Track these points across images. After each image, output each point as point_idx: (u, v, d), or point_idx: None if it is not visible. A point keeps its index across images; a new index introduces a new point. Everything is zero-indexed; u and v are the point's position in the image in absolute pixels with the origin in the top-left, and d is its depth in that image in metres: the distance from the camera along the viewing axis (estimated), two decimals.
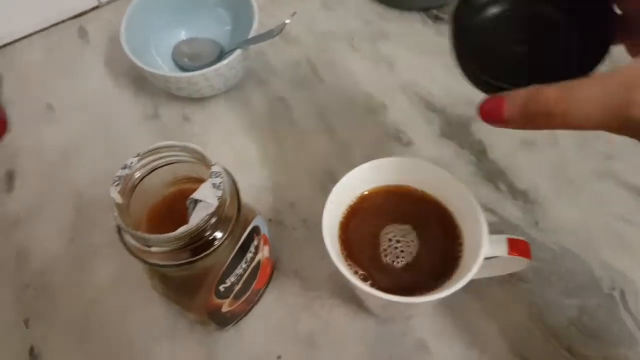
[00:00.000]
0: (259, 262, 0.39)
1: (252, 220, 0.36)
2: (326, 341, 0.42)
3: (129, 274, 0.45)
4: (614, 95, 0.23)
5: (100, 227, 0.48)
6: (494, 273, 0.37)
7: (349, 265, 0.36)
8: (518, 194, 0.47)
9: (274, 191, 0.49)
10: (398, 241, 0.37)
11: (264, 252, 0.40)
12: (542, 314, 0.42)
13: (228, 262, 0.35)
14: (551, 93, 0.24)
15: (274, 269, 0.45)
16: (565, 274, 0.43)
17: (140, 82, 0.57)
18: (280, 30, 0.49)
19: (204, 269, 0.34)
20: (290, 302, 0.44)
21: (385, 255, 0.37)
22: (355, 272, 0.36)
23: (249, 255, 0.37)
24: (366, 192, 0.39)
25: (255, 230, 0.37)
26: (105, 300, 0.45)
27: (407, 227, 0.38)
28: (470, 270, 0.33)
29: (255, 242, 0.37)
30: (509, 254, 0.34)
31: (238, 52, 0.48)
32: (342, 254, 0.37)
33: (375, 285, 0.34)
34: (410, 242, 0.37)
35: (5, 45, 0.62)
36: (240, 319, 0.43)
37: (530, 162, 0.48)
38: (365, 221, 0.38)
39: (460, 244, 0.36)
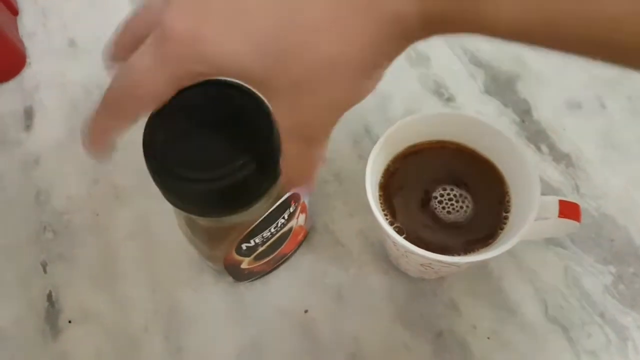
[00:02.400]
0: (290, 229, 0.37)
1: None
2: (354, 297, 0.41)
3: (154, 218, 0.44)
4: None
5: (125, 168, 0.46)
6: (540, 235, 0.36)
7: (390, 223, 0.35)
8: (560, 157, 0.45)
9: None
10: (444, 199, 0.36)
11: (299, 220, 0.38)
12: (578, 280, 0.41)
13: (257, 223, 0.33)
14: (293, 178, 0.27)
15: (305, 237, 0.43)
16: (603, 240, 0.42)
17: None
18: None
19: (230, 223, 0.32)
20: (319, 256, 0.42)
21: (428, 213, 0.35)
22: (395, 229, 0.35)
23: (281, 221, 0.35)
24: (411, 147, 0.37)
25: (294, 197, 0.34)
26: (127, 244, 0.44)
27: (452, 184, 0.36)
28: (519, 231, 0.31)
29: (292, 209, 0.35)
30: (560, 216, 0.32)
31: None
32: (382, 210, 0.35)
33: (415, 242, 0.33)
34: (454, 199, 0.36)
35: None
36: (259, 277, 0.42)
37: (575, 125, 0.46)
38: (408, 177, 0.36)
39: (509, 203, 0.35)
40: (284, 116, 0.23)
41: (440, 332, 0.39)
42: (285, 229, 0.37)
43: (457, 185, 0.36)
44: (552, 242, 0.42)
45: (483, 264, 0.41)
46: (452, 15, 0.20)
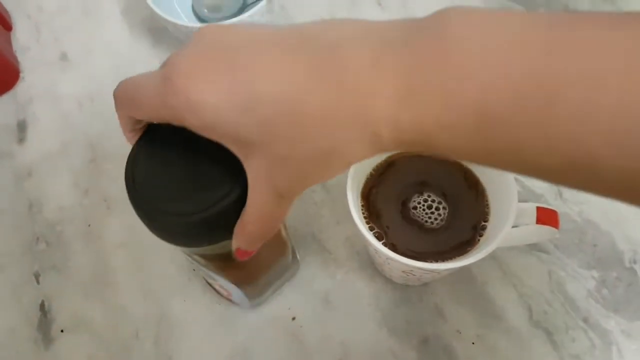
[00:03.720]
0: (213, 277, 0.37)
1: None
2: (341, 304, 0.41)
3: (144, 228, 0.45)
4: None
5: (115, 178, 0.47)
6: (519, 242, 0.37)
7: (370, 229, 0.35)
8: None
9: None
10: (422, 206, 0.36)
11: (216, 285, 0.37)
12: (561, 284, 0.41)
13: None
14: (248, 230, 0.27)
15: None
16: (586, 246, 0.43)
17: (158, 32, 0.55)
18: None
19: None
20: (307, 264, 0.43)
21: (408, 220, 0.36)
22: (376, 236, 0.35)
23: None
24: (391, 155, 0.38)
25: None
26: (118, 253, 0.44)
27: (432, 192, 0.37)
28: (497, 238, 0.32)
29: None
30: (538, 222, 0.33)
31: (262, 3, 0.46)
32: (364, 217, 0.36)
33: (395, 250, 0.33)
34: (435, 207, 0.36)
35: None
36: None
37: None
38: (390, 185, 0.37)
39: (487, 211, 0.35)
40: (260, 169, 0.24)
41: (425, 338, 0.40)
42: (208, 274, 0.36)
43: (436, 193, 0.37)
44: (535, 247, 0.42)
45: (467, 270, 0.42)
46: (419, 145, 0.22)
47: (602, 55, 0.19)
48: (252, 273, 0.36)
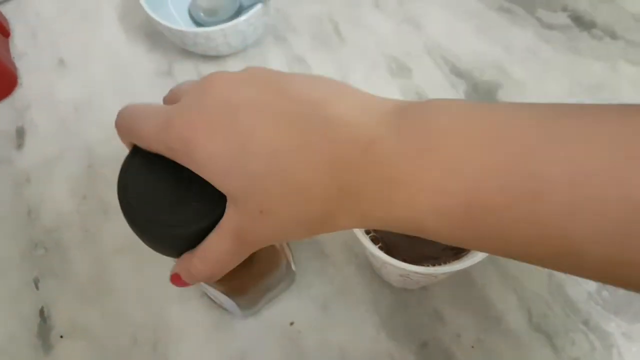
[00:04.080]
0: None
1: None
2: (339, 308, 0.41)
3: None
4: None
5: (112, 184, 0.47)
6: None
7: (367, 233, 0.35)
8: None
9: None
10: None
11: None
12: (561, 287, 0.41)
13: None
14: (194, 263, 0.28)
15: None
16: None
17: (155, 37, 0.55)
18: None
19: None
20: (305, 268, 0.43)
21: None
22: (374, 242, 0.35)
23: None
24: None
25: None
26: (116, 259, 0.44)
27: None
28: None
29: None
30: None
31: (258, 7, 0.47)
32: None
33: (392, 254, 0.33)
34: None
35: None
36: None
37: None
38: None
39: None
40: (234, 221, 0.26)
41: (425, 342, 0.40)
42: None
43: None
44: None
45: (466, 274, 0.41)
46: (407, 228, 0.24)
47: (585, 153, 0.19)
48: (244, 284, 0.36)
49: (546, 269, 0.41)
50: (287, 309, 0.41)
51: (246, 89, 0.25)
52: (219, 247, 0.26)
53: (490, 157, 0.21)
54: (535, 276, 0.41)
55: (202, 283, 0.35)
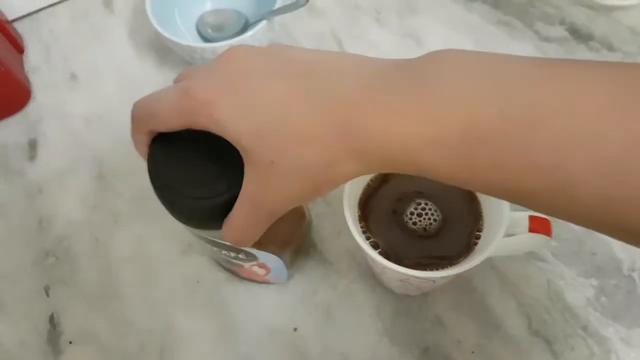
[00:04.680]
0: (243, 266, 0.40)
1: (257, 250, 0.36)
2: (343, 314, 0.42)
3: (150, 242, 0.46)
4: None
5: (121, 194, 0.49)
6: (513, 251, 0.37)
7: (367, 239, 0.36)
8: None
9: None
10: (418, 215, 0.37)
11: (250, 267, 0.40)
12: (560, 293, 0.42)
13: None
14: (225, 233, 0.30)
15: (268, 282, 0.44)
16: (585, 254, 0.43)
17: (164, 52, 0.56)
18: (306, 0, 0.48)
19: None
20: (309, 275, 0.44)
21: (403, 229, 0.37)
22: (374, 247, 0.36)
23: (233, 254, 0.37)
24: None
25: (244, 252, 0.37)
26: (125, 267, 0.46)
27: (427, 201, 0.38)
28: (489, 247, 0.33)
29: (238, 255, 0.37)
30: (530, 231, 0.33)
31: (263, 23, 0.48)
32: (362, 228, 0.37)
33: (391, 259, 0.34)
34: (430, 217, 0.37)
35: (30, 14, 0.62)
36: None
37: None
38: (385, 195, 0.38)
39: (481, 220, 0.36)
40: (251, 183, 0.27)
41: (426, 348, 0.41)
42: (239, 262, 0.39)
43: (430, 202, 0.37)
44: (534, 256, 0.43)
45: (466, 280, 0.42)
46: (405, 164, 0.24)
47: (585, 88, 0.20)
48: (283, 236, 0.38)
49: (545, 276, 0.42)
50: (291, 314, 0.42)
51: (261, 57, 0.27)
52: (239, 215, 0.28)
53: (490, 87, 0.21)
54: (534, 282, 0.42)
55: (243, 259, 0.37)
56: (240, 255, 0.37)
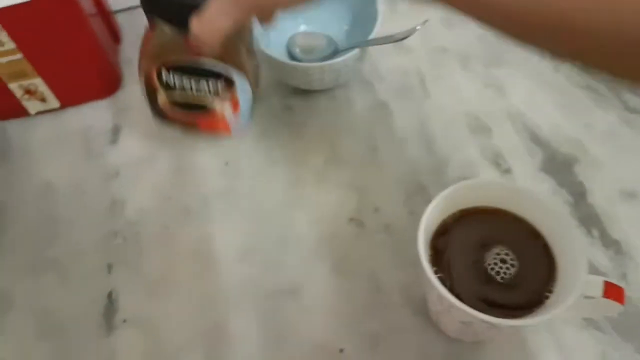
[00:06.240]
0: (211, 108, 0.47)
1: (228, 66, 0.43)
2: (390, 347, 0.42)
3: (214, 241, 0.48)
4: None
5: (195, 190, 0.51)
6: (581, 313, 0.37)
7: (435, 272, 0.37)
8: (610, 243, 0.46)
9: (359, 192, 0.50)
10: (492, 259, 0.37)
11: (224, 108, 0.47)
12: None
13: (183, 60, 0.42)
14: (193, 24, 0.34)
15: (226, 135, 0.52)
16: None
17: None
18: (407, 35, 0.49)
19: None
20: (361, 301, 0.44)
21: (475, 272, 0.37)
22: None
23: (203, 86, 0.44)
24: (466, 210, 0.39)
25: (221, 76, 0.43)
26: (187, 261, 0.47)
27: (503, 247, 0.38)
28: (562, 304, 0.32)
29: (219, 87, 0.44)
30: (604, 296, 0.33)
31: (356, 51, 0.50)
32: (431, 264, 0.37)
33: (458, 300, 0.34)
34: (505, 262, 0.37)
35: (130, 8, 0.65)
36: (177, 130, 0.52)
37: (628, 214, 0.47)
38: (459, 236, 0.38)
39: (555, 276, 0.36)
40: None
41: None
42: (206, 99, 0.46)
43: (507, 249, 0.37)
44: (592, 325, 0.42)
45: (523, 337, 0.42)
46: None
47: None
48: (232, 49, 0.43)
49: (601, 347, 0.41)
50: (339, 335, 0.43)
51: None
52: (211, 6, 0.33)
53: None
54: (589, 351, 0.41)
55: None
56: (219, 86, 0.44)
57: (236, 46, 0.40)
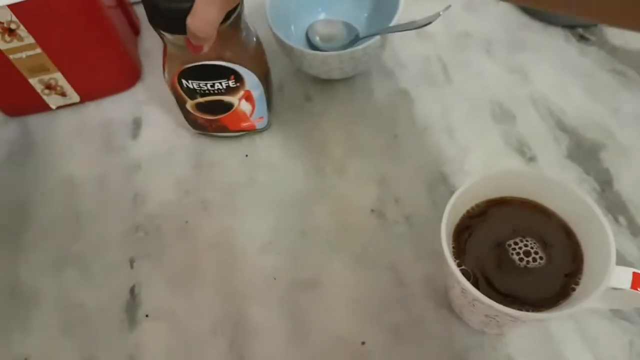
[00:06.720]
0: (231, 106, 0.48)
1: (238, 65, 0.44)
2: (412, 338, 0.42)
3: (235, 234, 0.48)
4: None
5: (215, 184, 0.51)
6: (609, 304, 0.36)
7: (458, 265, 0.36)
8: (638, 231, 0.44)
9: (380, 183, 0.49)
10: (517, 251, 0.37)
11: (242, 104, 0.48)
12: None
13: (193, 64, 0.44)
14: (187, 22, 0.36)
15: (255, 131, 0.53)
16: None
17: (269, 54, 0.58)
18: (430, 21, 0.48)
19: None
20: (382, 292, 0.44)
21: (500, 265, 0.36)
22: (464, 275, 0.36)
23: (218, 85, 0.46)
24: (491, 200, 0.38)
25: (236, 76, 0.45)
26: (209, 253, 0.47)
27: (528, 239, 0.37)
28: (589, 297, 0.32)
29: (231, 84, 0.46)
30: (633, 287, 0.32)
31: (377, 38, 0.49)
32: (454, 255, 0.36)
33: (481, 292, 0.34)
34: (531, 253, 0.36)
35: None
36: (210, 134, 0.53)
37: None
38: (483, 228, 0.37)
39: (582, 267, 0.35)
40: None
41: None
42: (225, 99, 0.47)
43: (532, 240, 0.37)
44: (619, 314, 0.41)
45: (545, 326, 0.41)
46: None
47: None
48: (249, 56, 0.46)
49: (628, 337, 0.40)
50: (361, 328, 0.42)
51: None
52: (197, 4, 0.35)
53: None
54: (616, 341, 0.40)
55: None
56: (230, 83, 0.45)
57: (228, 41, 0.42)
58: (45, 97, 0.56)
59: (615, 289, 0.33)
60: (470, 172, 0.48)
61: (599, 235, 0.34)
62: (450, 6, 0.49)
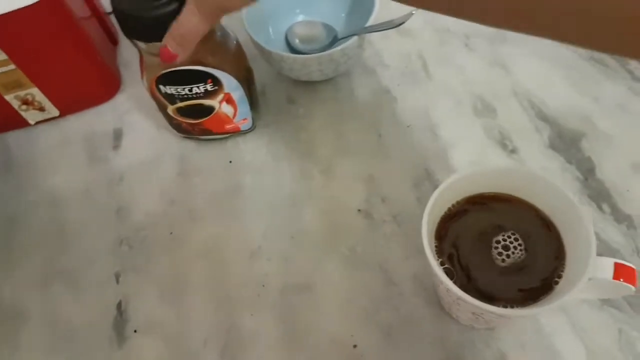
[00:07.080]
0: (212, 109, 0.48)
1: (215, 68, 0.44)
2: (404, 338, 0.42)
3: (223, 242, 0.48)
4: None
5: (200, 192, 0.50)
6: (593, 295, 0.36)
7: (441, 264, 0.36)
8: (622, 218, 0.45)
9: (366, 182, 0.49)
10: (498, 245, 0.37)
11: (223, 107, 0.48)
12: (632, 344, 0.40)
13: (169, 69, 0.43)
14: (171, 29, 0.37)
15: (240, 132, 0.53)
16: None
17: (249, 58, 0.58)
18: (403, 20, 0.48)
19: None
20: (373, 293, 0.44)
21: (482, 262, 0.36)
22: (448, 274, 0.36)
23: (196, 90, 0.45)
24: (471, 197, 0.39)
25: (210, 77, 0.45)
26: (196, 263, 0.47)
27: (509, 234, 0.37)
28: (572, 289, 0.32)
29: (209, 87, 0.45)
30: (614, 278, 0.32)
31: (354, 39, 0.49)
32: (437, 255, 0.36)
33: (466, 291, 0.34)
34: (511, 248, 0.36)
35: None
36: (193, 138, 0.54)
37: (639, 187, 0.46)
38: (465, 226, 0.38)
39: (564, 261, 0.35)
40: None
41: None
42: (205, 102, 0.47)
43: (513, 236, 0.37)
44: (608, 303, 0.41)
45: (535, 319, 0.41)
46: None
47: None
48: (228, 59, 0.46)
49: (617, 325, 0.40)
50: (352, 331, 0.42)
51: None
52: (185, 13, 0.35)
53: None
54: (605, 330, 0.40)
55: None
56: (208, 87, 0.45)
57: (204, 45, 0.42)
58: (22, 113, 0.55)
59: (597, 279, 0.33)
60: (454, 167, 0.48)
61: (579, 227, 0.34)
62: None
